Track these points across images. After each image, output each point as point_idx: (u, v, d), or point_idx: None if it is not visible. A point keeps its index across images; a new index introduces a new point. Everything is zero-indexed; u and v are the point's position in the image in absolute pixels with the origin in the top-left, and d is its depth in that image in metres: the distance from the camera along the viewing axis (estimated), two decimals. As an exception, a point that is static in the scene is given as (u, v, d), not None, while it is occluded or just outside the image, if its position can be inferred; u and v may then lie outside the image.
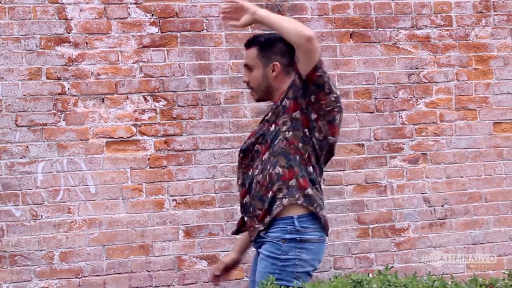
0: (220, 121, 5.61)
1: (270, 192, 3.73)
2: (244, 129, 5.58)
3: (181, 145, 5.54)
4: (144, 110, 5.48)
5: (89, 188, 5.37)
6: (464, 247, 5.95)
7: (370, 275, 3.12)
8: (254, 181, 3.79)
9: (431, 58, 6.00)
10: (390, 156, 5.88)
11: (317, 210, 3.73)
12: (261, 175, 3.76)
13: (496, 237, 6.02)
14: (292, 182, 3.71)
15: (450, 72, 6.03)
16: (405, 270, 5.56)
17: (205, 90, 5.60)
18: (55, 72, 5.35)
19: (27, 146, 5.29)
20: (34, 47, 5.32)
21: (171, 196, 5.48)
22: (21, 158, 5.27)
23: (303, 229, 3.71)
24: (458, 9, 6.06)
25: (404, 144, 5.92)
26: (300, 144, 3.74)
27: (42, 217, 5.28)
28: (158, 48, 5.53)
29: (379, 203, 5.83)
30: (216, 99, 5.61)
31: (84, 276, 5.33)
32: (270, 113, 3.83)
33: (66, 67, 5.37)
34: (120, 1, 5.48)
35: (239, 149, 3.93)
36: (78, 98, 5.39)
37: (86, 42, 5.42)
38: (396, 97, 5.92)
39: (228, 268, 4.10)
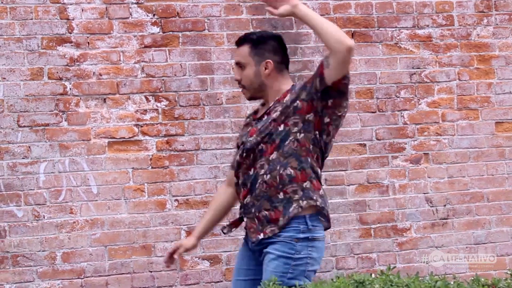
0: (222, 121, 5.61)
1: (282, 193, 3.72)
2: (246, 129, 5.57)
3: (183, 145, 5.54)
4: (146, 110, 5.48)
5: (91, 189, 5.37)
6: (466, 247, 5.94)
7: (373, 275, 3.12)
8: (260, 181, 3.75)
9: (433, 57, 6.00)
10: (392, 156, 5.88)
11: (328, 210, 3.80)
12: (269, 175, 3.73)
13: (499, 237, 6.02)
14: (306, 184, 3.72)
15: (451, 72, 6.03)
16: (408, 270, 5.57)
17: (206, 90, 5.60)
18: (57, 72, 5.35)
19: (29, 147, 5.29)
20: (36, 47, 5.32)
21: (173, 196, 5.48)
22: (23, 158, 5.27)
23: (313, 228, 3.73)
24: (459, 8, 6.06)
25: (406, 144, 5.92)
26: (311, 146, 3.74)
27: (44, 217, 5.28)
28: (159, 48, 5.53)
29: (381, 203, 5.83)
30: (218, 99, 5.61)
31: (87, 277, 5.33)
32: (277, 112, 3.77)
33: (67, 67, 5.37)
34: (122, 1, 5.48)
35: (240, 148, 3.85)
36: (80, 98, 5.39)
37: (88, 42, 5.42)
38: (398, 97, 5.92)
39: (182, 253, 4.06)
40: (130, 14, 5.50)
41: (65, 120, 5.36)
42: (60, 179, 5.33)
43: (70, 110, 5.37)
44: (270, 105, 3.84)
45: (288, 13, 3.68)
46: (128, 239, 5.41)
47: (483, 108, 6.06)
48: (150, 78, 5.51)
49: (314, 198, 3.72)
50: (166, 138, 5.51)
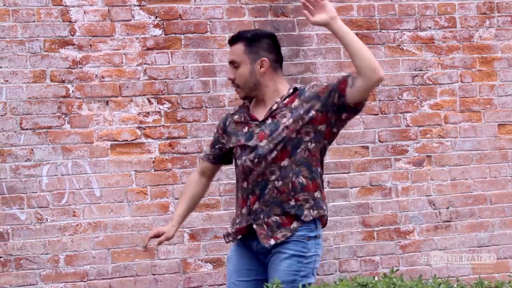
0: (225, 123, 5.60)
1: (293, 200, 3.74)
2: (248, 131, 5.57)
3: (185, 147, 5.53)
4: (148, 113, 5.48)
5: (94, 191, 5.37)
6: (470, 250, 5.94)
7: (376, 278, 3.12)
8: (270, 186, 3.74)
9: (435, 59, 6.00)
10: (394, 158, 5.88)
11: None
12: (281, 182, 3.73)
13: (502, 240, 6.01)
14: (317, 194, 3.78)
15: (454, 74, 6.02)
16: (411, 273, 5.57)
17: (209, 92, 5.60)
18: (59, 75, 5.35)
19: (32, 149, 5.29)
20: (38, 49, 5.32)
21: (176, 199, 5.47)
22: (25, 161, 5.27)
23: (318, 226, 3.82)
24: (462, 10, 6.05)
25: (408, 146, 5.91)
26: (319, 156, 3.80)
27: (47, 220, 5.28)
28: (162, 51, 5.53)
29: (384, 206, 5.83)
30: (220, 101, 5.61)
31: (90, 280, 5.33)
32: (288, 119, 3.74)
33: (70, 69, 5.37)
34: (124, 3, 5.48)
35: (252, 154, 3.77)
36: (83, 101, 5.39)
37: (90, 45, 5.41)
38: (400, 99, 5.92)
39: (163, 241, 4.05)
40: (133, 16, 5.50)
41: (68, 123, 5.36)
42: (63, 182, 5.32)
43: (73, 112, 5.36)
44: (273, 107, 3.81)
45: (324, 23, 3.65)
46: (131, 242, 5.41)
47: (486, 110, 6.05)
48: (153, 81, 5.50)
49: (324, 208, 3.80)
50: (168, 141, 5.51)
